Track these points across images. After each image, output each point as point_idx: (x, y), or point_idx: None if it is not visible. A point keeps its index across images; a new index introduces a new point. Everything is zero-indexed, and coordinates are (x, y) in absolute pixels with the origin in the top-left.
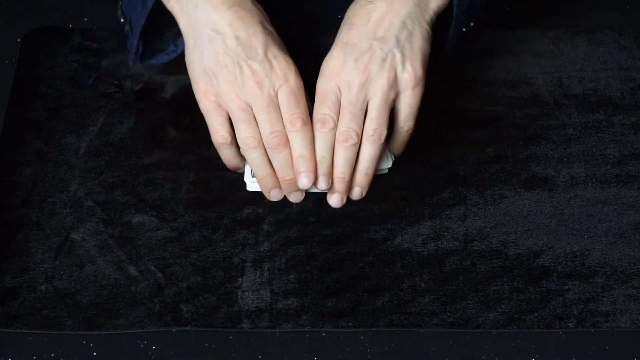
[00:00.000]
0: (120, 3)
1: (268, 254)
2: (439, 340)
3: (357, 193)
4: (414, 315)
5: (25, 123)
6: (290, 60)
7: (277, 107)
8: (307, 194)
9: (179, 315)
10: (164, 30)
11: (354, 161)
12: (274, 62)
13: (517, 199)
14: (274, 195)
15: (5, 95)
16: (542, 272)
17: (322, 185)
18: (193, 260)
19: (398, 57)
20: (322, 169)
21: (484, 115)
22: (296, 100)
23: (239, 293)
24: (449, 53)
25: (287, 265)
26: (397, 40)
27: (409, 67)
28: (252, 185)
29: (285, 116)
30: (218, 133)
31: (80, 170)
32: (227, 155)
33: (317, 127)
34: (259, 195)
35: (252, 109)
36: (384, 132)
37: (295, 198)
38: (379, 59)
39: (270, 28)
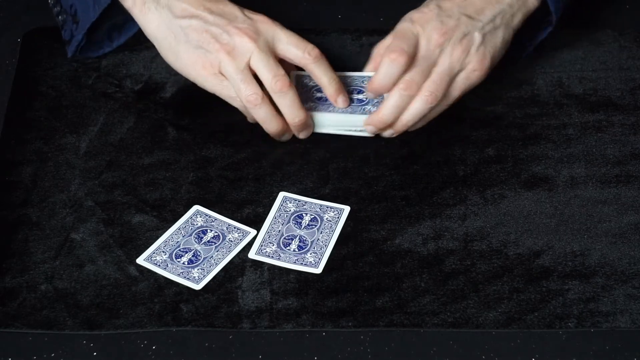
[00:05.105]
0: None
1: None
2: (439, 340)
3: (388, 133)
4: (414, 315)
5: (25, 123)
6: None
7: (274, 54)
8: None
9: (179, 315)
10: (102, 23)
11: (402, 111)
12: (255, 17)
13: (517, 199)
14: (285, 139)
15: (5, 95)
16: (542, 272)
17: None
18: None
19: (477, 40)
20: (378, 90)
21: (484, 115)
22: (298, 38)
23: (239, 293)
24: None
25: None
26: (483, 27)
27: (481, 53)
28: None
29: (299, 51)
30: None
31: (80, 170)
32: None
33: (391, 55)
34: (259, 195)
35: (249, 66)
36: (439, 98)
37: (304, 135)
38: (461, 32)
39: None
